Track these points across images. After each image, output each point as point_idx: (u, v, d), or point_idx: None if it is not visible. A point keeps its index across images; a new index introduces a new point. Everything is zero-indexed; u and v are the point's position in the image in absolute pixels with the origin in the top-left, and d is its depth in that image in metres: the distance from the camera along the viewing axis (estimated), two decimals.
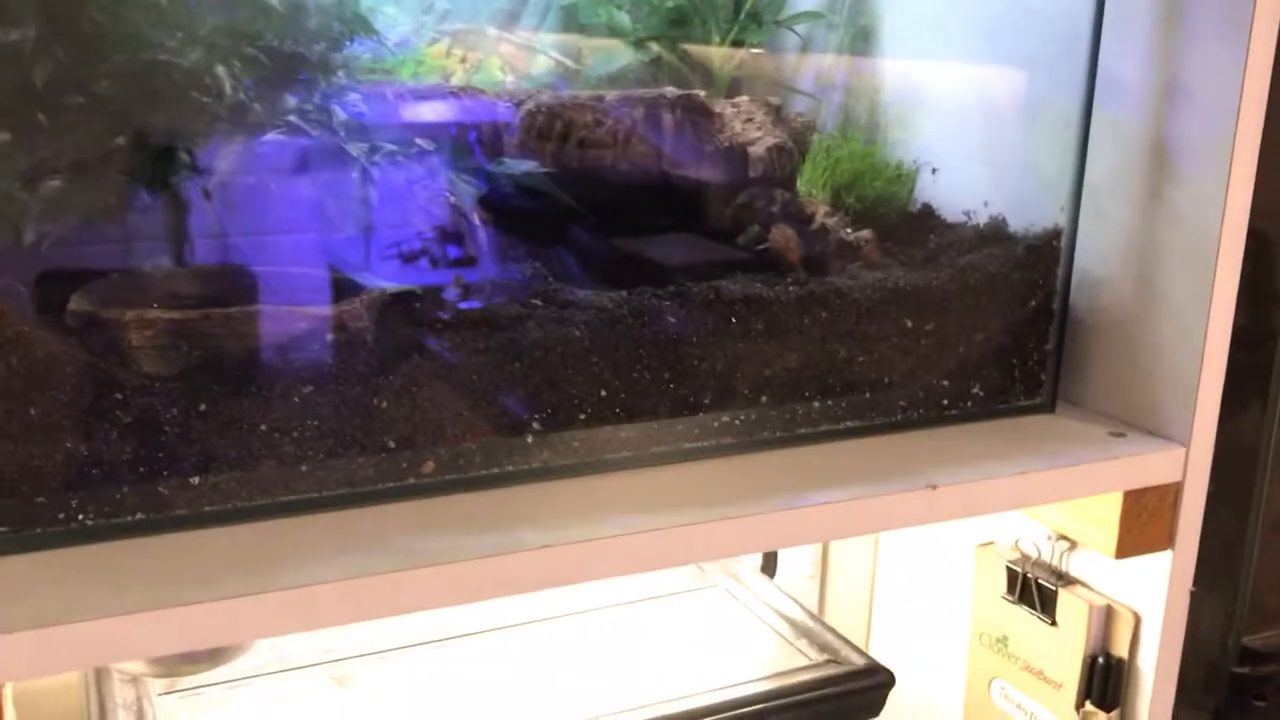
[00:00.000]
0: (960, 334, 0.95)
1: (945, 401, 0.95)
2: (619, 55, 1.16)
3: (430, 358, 0.78)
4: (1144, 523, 0.93)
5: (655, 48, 1.16)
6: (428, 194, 0.89)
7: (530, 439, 0.81)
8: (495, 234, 0.90)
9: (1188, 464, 0.92)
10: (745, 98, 1.06)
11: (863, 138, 1.16)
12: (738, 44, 1.21)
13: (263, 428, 0.72)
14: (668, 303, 0.85)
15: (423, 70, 1.08)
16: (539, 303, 0.84)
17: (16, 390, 0.66)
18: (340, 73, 0.86)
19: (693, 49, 1.20)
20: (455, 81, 1.10)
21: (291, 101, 0.83)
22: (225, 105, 0.80)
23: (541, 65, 1.21)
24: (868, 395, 0.92)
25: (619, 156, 0.99)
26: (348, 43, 0.90)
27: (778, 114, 1.08)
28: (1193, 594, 0.96)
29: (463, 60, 1.16)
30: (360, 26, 0.91)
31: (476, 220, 0.90)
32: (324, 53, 0.88)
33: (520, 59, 1.20)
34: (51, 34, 0.75)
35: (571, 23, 1.20)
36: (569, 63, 1.19)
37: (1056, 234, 0.96)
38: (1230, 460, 1.05)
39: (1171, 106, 0.91)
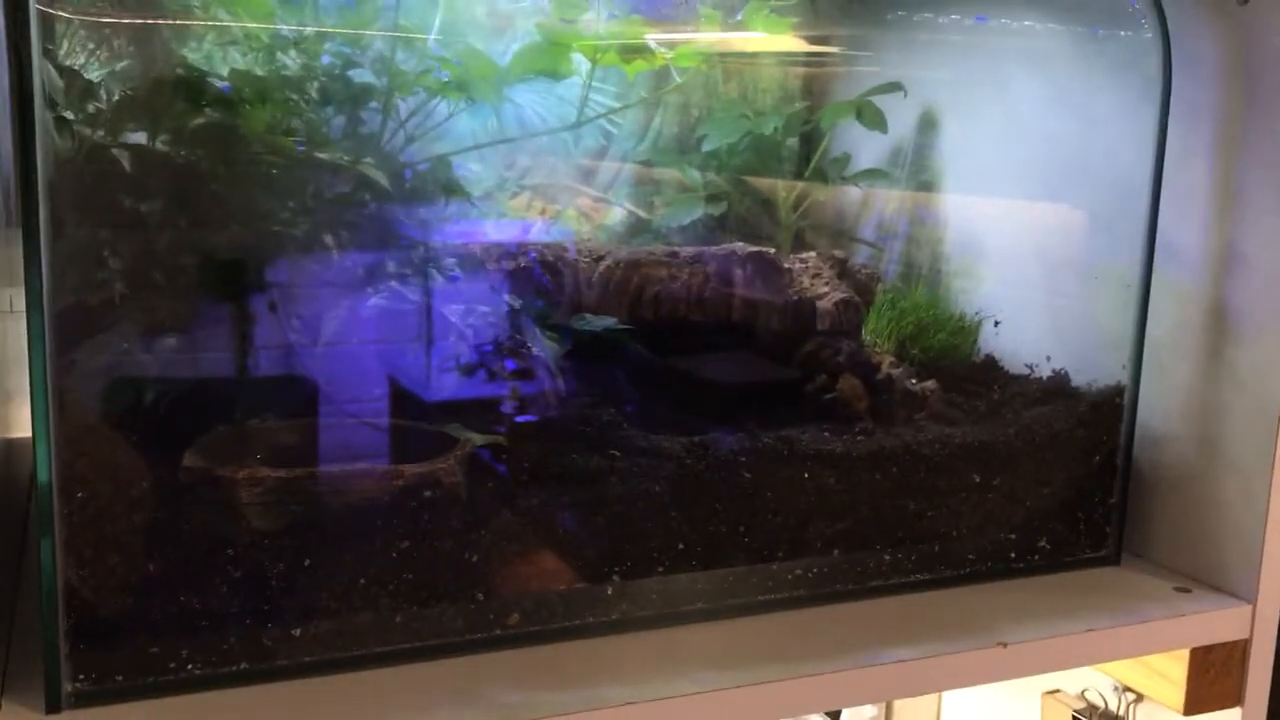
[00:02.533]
0: (1026, 488, 0.97)
1: (1013, 554, 0.96)
2: (690, 208, 1.21)
3: (518, 511, 0.81)
4: (1211, 679, 0.93)
5: (724, 202, 1.21)
6: (514, 350, 0.93)
7: (610, 590, 0.84)
8: (577, 387, 0.94)
9: (1255, 621, 0.93)
10: (813, 253, 1.10)
11: (926, 288, 1.20)
12: (804, 197, 1.26)
13: (361, 581, 0.76)
14: (742, 457, 0.89)
15: (505, 222, 1.13)
16: (617, 453, 0.87)
17: (136, 546, 0.71)
18: (436, 238, 0.92)
19: (760, 202, 1.25)
20: (535, 232, 1.16)
21: (391, 265, 0.89)
22: (331, 270, 0.86)
23: (616, 217, 1.26)
24: (936, 548, 0.94)
25: (693, 310, 1.03)
26: (444, 205, 0.96)
27: (843, 267, 1.12)
28: None
29: (542, 212, 1.22)
30: (455, 190, 0.97)
31: (558, 374, 0.94)
32: (421, 216, 0.94)
33: (596, 210, 1.26)
34: (175, 205, 0.81)
35: (645, 177, 1.26)
36: (642, 214, 1.24)
37: (1119, 391, 0.99)
38: None
39: (1229, 272, 0.94)
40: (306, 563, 0.74)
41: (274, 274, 0.85)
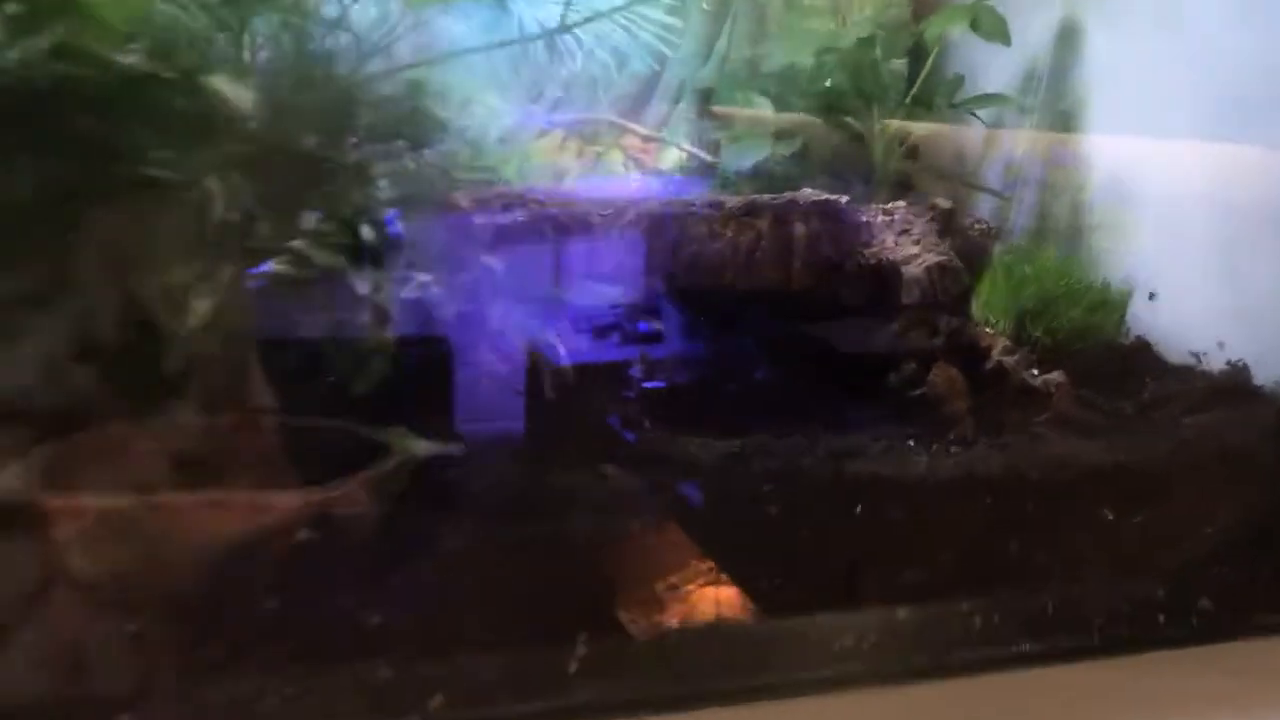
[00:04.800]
0: (1184, 526, 0.79)
1: (1161, 618, 0.75)
2: (758, 147, 1.00)
3: (446, 553, 0.64)
4: None
5: (800, 138, 0.99)
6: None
7: (573, 665, 0.63)
8: None
9: None
10: (902, 203, 0.90)
11: (1058, 248, 0.98)
12: (907, 132, 1.04)
13: (215, 650, 0.57)
14: (783, 479, 0.71)
15: (528, 166, 0.96)
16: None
17: None
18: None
19: (851, 138, 1.04)
20: (570, 179, 0.99)
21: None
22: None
23: (671, 159, 1.06)
24: (1050, 607, 0.73)
25: (738, 277, 0.83)
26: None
27: (948, 220, 0.91)
28: None
29: (579, 154, 1.03)
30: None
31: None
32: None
33: (646, 151, 1.07)
34: None
35: (706, 109, 1.06)
36: (703, 156, 1.04)
37: None
38: None
39: None
40: (131, 628, 0.56)
41: None
